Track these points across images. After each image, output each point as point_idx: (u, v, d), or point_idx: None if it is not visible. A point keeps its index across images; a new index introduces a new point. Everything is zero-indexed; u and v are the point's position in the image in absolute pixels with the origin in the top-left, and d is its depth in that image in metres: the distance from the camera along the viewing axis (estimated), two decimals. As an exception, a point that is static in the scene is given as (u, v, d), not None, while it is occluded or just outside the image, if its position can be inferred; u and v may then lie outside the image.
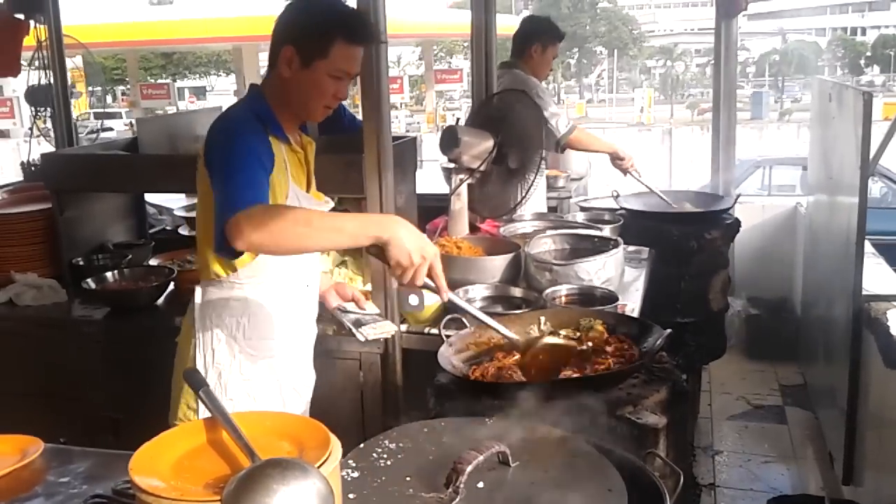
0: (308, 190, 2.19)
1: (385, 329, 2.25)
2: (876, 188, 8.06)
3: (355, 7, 2.37)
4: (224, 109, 2.14)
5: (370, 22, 2.04)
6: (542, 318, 2.17)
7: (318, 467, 1.16)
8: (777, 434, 4.39)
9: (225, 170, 1.90)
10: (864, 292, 3.26)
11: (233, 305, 2.13)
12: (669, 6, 64.94)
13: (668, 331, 1.96)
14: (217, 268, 2.11)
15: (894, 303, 3.19)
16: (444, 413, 1.79)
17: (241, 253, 1.87)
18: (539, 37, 4.31)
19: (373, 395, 2.71)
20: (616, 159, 4.13)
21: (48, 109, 4.31)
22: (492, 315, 2.00)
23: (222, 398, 2.07)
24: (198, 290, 2.17)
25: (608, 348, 1.98)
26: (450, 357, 1.99)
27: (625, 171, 4.13)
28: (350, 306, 2.34)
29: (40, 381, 3.09)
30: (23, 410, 2.71)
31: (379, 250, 1.70)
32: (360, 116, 2.68)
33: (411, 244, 1.68)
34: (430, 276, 1.72)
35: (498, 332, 1.95)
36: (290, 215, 1.76)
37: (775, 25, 52.67)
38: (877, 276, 3.60)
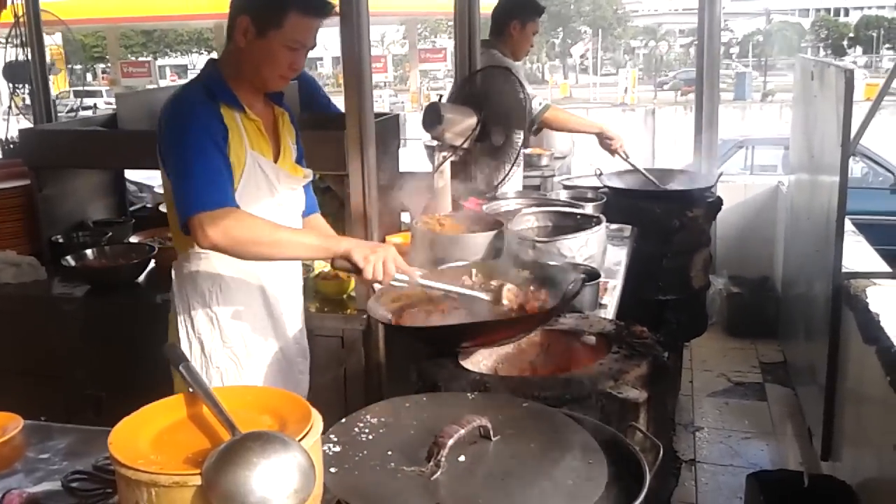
0: (277, 161, 2.19)
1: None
2: (857, 168, 8.10)
3: None
4: (177, 88, 2.16)
5: None
6: (473, 271, 2.22)
7: (299, 441, 1.16)
8: (757, 410, 4.43)
9: (181, 164, 1.96)
10: (843, 270, 3.29)
11: (204, 276, 2.17)
12: (654, -15, 64.65)
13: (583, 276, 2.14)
14: (183, 242, 2.16)
15: (873, 280, 3.22)
16: (426, 389, 1.79)
17: None
18: (518, 13, 4.16)
19: (355, 371, 2.71)
20: (605, 139, 4.03)
21: (26, 86, 4.26)
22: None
23: (209, 367, 2.15)
24: (174, 266, 2.25)
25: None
26: (378, 308, 2.07)
27: (613, 152, 4.03)
28: None
29: (20, 359, 3.07)
30: (2, 388, 2.68)
31: (344, 262, 1.95)
32: (342, 96, 2.64)
33: (366, 246, 1.97)
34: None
35: (476, 297, 2.04)
36: (257, 228, 1.94)
37: (759, 6, 52.57)
38: (857, 254, 3.63)
